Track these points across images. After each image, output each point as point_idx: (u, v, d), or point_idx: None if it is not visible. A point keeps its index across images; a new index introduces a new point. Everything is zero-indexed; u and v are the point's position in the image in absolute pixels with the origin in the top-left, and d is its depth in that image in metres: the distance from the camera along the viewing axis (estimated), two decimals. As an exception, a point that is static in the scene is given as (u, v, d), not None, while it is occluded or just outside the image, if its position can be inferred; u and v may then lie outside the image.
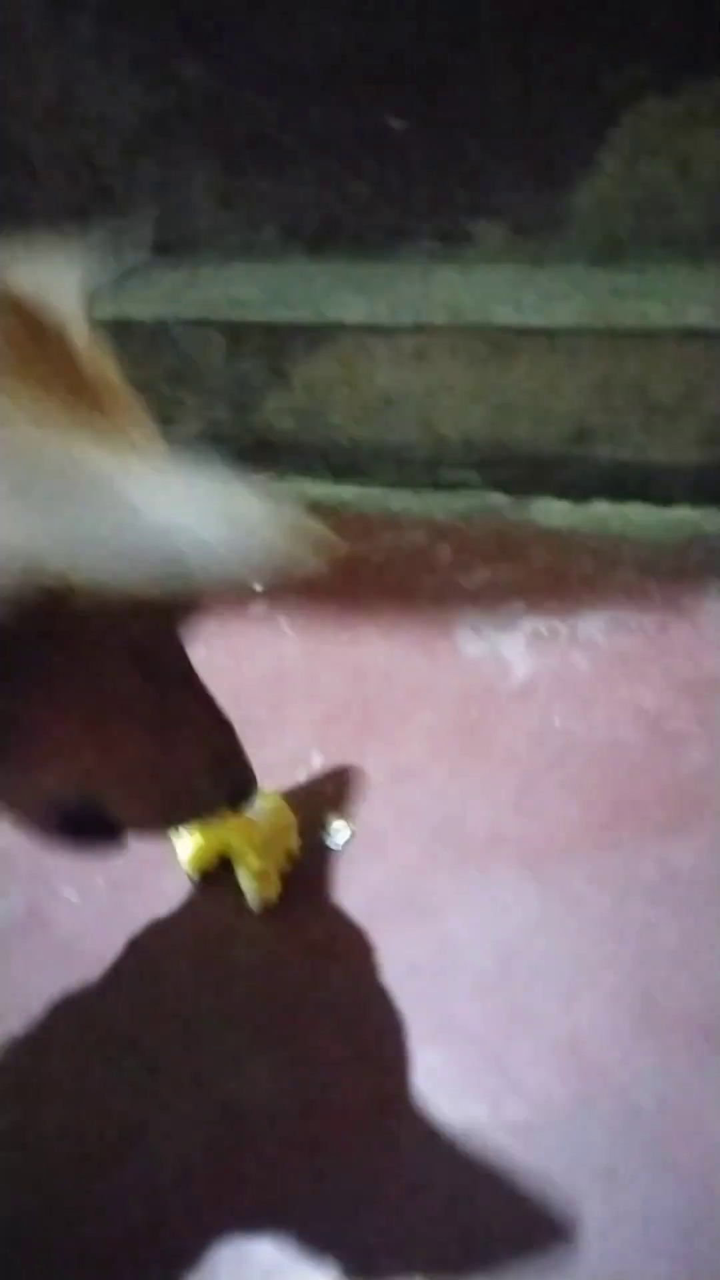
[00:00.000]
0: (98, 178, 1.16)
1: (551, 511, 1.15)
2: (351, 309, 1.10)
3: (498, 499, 1.18)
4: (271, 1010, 0.78)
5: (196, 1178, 0.69)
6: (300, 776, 0.93)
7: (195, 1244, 0.66)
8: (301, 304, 1.12)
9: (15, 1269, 0.65)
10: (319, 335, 1.13)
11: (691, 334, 0.98)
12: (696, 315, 0.98)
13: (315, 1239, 0.66)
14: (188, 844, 0.87)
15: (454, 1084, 0.71)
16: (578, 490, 1.14)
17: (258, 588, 1.12)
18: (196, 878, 0.87)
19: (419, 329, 1.08)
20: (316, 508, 1.22)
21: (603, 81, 0.95)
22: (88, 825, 0.61)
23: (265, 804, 0.82)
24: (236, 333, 1.15)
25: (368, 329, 1.10)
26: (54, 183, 1.16)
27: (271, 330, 1.13)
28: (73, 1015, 0.79)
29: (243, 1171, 0.69)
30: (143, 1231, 0.67)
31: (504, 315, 1.05)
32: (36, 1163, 0.71)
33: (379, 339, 1.10)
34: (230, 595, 1.11)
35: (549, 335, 1.03)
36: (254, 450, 1.24)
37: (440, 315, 1.07)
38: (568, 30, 0.93)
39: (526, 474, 1.15)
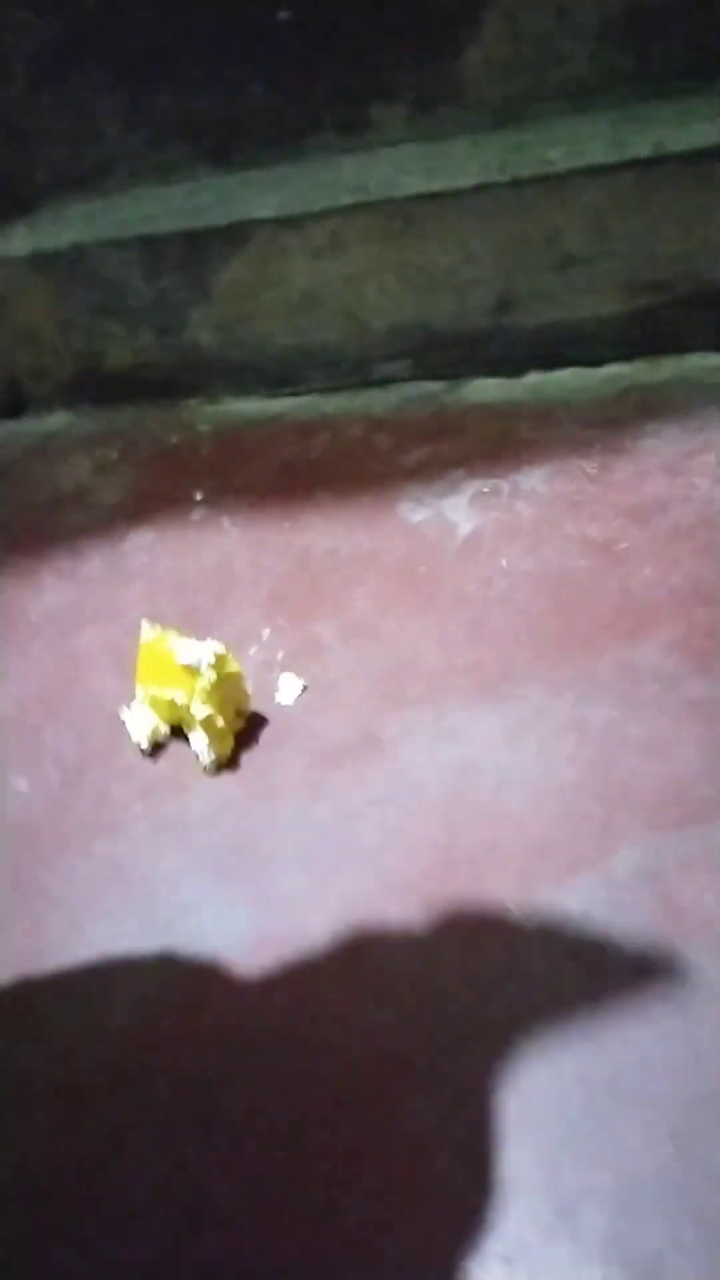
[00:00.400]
0: (4, 117, 1.17)
1: (485, 389, 1.14)
2: (262, 205, 1.10)
3: (431, 387, 1.16)
4: (226, 854, 0.75)
5: (163, 1019, 0.66)
6: (251, 652, 0.90)
7: (150, 1077, 0.64)
8: (213, 210, 1.12)
9: None
10: (233, 237, 1.12)
11: (592, 171, 0.97)
12: (594, 153, 0.98)
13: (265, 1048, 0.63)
14: (137, 716, 0.85)
15: (415, 887, 0.69)
16: (509, 365, 1.13)
17: (197, 496, 1.11)
18: (149, 749, 0.84)
19: (330, 213, 1.07)
20: (251, 424, 1.21)
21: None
22: None
23: (209, 654, 0.79)
24: (153, 248, 1.14)
25: (280, 222, 1.09)
26: (-42, 127, 1.17)
27: (187, 239, 1.13)
28: (29, 884, 0.76)
29: (211, 1006, 0.66)
30: (98, 1076, 0.65)
31: (410, 185, 1.04)
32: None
33: (292, 232, 1.10)
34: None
35: (457, 197, 1.03)
36: (185, 374, 1.23)
37: (349, 196, 1.06)
38: None
39: (456, 356, 1.14)
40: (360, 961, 0.65)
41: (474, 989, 0.62)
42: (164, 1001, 0.67)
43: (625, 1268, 0.50)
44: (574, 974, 0.61)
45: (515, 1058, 0.58)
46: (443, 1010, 0.62)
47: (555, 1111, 0.56)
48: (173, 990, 0.67)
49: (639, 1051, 0.57)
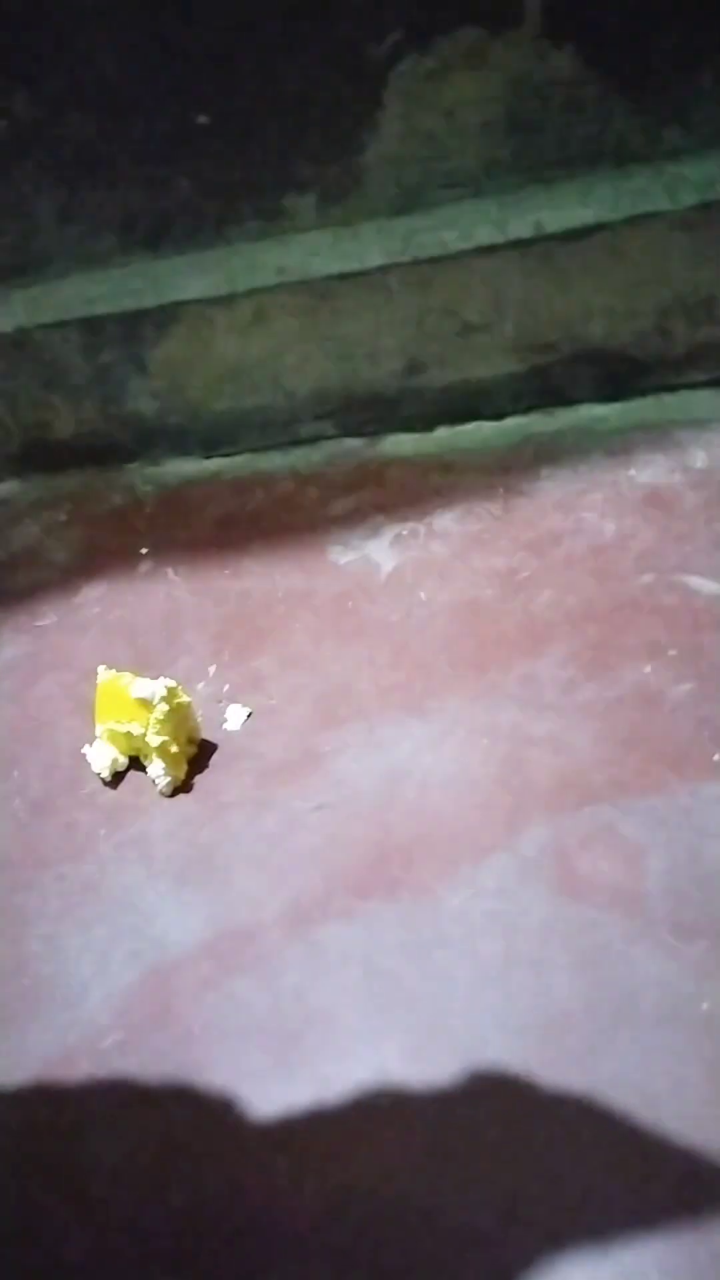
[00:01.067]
0: (-54, 215, 1.28)
1: (401, 444, 1.26)
2: (190, 288, 1.22)
3: (352, 443, 1.28)
4: (185, 865, 0.84)
5: (128, 1006, 0.74)
6: (199, 687, 0.99)
7: (125, 1054, 0.71)
8: (146, 293, 1.23)
9: None
10: (165, 316, 1.23)
11: (482, 250, 1.11)
12: (483, 235, 1.11)
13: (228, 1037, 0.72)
14: (98, 750, 0.93)
15: (355, 879, 0.78)
16: (420, 421, 1.25)
17: (143, 551, 1.21)
18: (110, 778, 0.92)
19: (252, 293, 1.19)
20: (191, 483, 1.31)
21: (366, 49, 1.09)
22: None
23: (161, 688, 0.88)
24: (92, 328, 1.25)
25: (207, 302, 1.21)
26: None
27: (123, 319, 1.24)
28: (7, 908, 0.84)
29: (178, 995, 0.75)
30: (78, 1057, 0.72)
31: (323, 267, 1.16)
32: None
33: (219, 310, 1.21)
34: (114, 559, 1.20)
35: (365, 276, 1.15)
36: (127, 440, 1.33)
37: (269, 277, 1.18)
38: (329, 10, 1.08)
39: (373, 415, 1.26)
40: (308, 945, 0.74)
41: (407, 958, 0.71)
42: (134, 996, 0.75)
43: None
44: (489, 937, 0.71)
45: (442, 1013, 0.67)
46: (380, 981, 0.71)
47: (471, 1059, 0.65)
48: (142, 983, 0.75)
49: (545, 1001, 0.67)
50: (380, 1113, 0.64)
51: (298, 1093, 0.66)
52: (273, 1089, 0.67)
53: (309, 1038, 0.69)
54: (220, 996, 0.73)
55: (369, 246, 1.15)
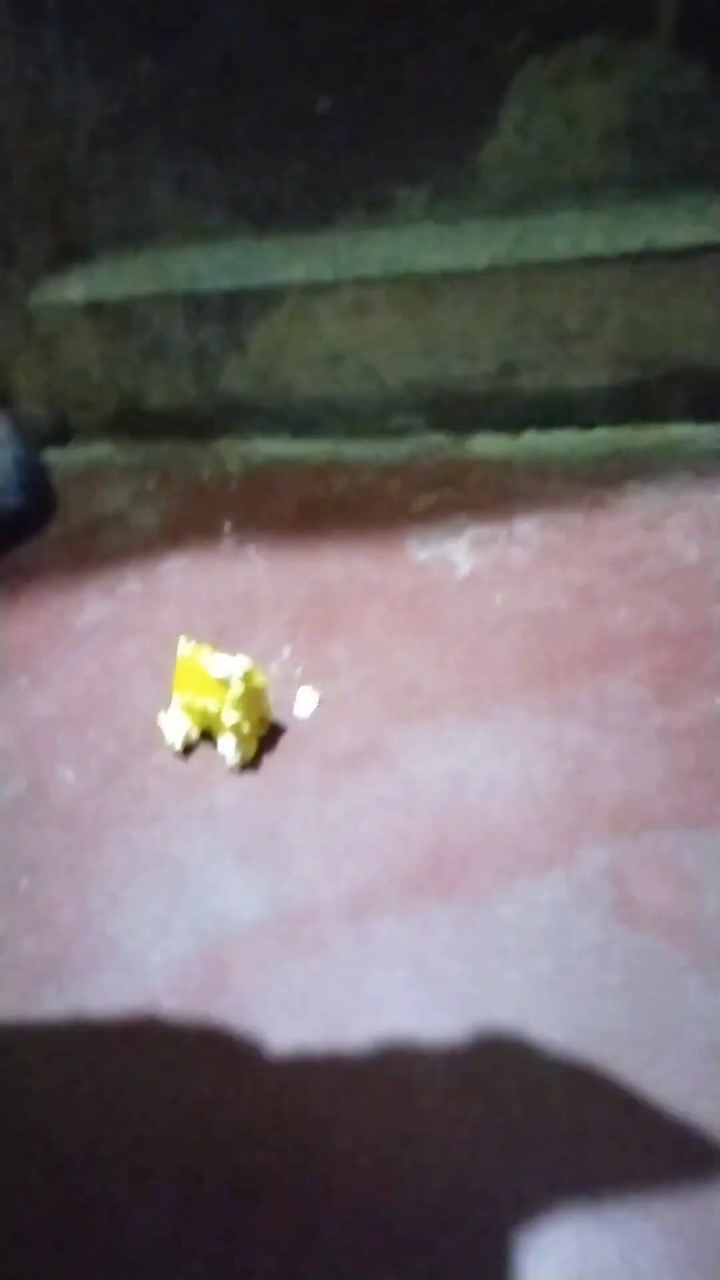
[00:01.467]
0: (66, 177, 1.30)
1: (488, 444, 1.27)
2: (296, 271, 1.23)
3: (439, 439, 1.29)
4: (248, 842, 0.86)
5: (185, 974, 0.78)
6: (273, 668, 1.02)
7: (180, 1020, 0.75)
8: (251, 272, 1.25)
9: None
10: (269, 298, 1.25)
11: (591, 261, 1.11)
12: (593, 244, 1.11)
13: (286, 1015, 0.75)
14: (172, 720, 0.96)
15: (412, 876, 0.80)
16: (510, 423, 1.26)
17: (226, 527, 1.23)
18: (182, 750, 0.96)
19: (356, 282, 1.20)
20: (276, 464, 1.34)
21: (493, 49, 1.09)
22: None
23: (240, 668, 0.91)
24: (196, 304, 1.27)
25: (311, 288, 1.22)
26: (28, 184, 1.29)
27: (226, 298, 1.26)
28: (75, 864, 0.87)
29: (235, 968, 0.78)
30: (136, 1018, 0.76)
31: (429, 262, 1.17)
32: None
33: (322, 297, 1.23)
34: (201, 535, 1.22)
35: (470, 275, 1.16)
36: (219, 415, 1.36)
37: (374, 268, 1.19)
38: (461, 5, 1.08)
39: (463, 413, 1.27)
40: (361, 935, 0.77)
41: (459, 961, 0.73)
42: (191, 965, 0.78)
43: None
44: (542, 952, 0.73)
45: (490, 1022, 0.70)
46: (431, 981, 0.73)
47: (515, 1069, 0.68)
48: (200, 953, 0.78)
49: (593, 1022, 0.69)
50: (422, 1108, 0.66)
51: (342, 1079, 0.69)
52: (320, 1072, 0.69)
53: (357, 1026, 0.71)
54: (274, 976, 0.76)
55: (476, 245, 1.16)
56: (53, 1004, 0.76)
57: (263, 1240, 0.61)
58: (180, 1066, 0.72)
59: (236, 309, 1.25)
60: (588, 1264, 0.58)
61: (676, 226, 1.10)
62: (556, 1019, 0.69)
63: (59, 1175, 0.67)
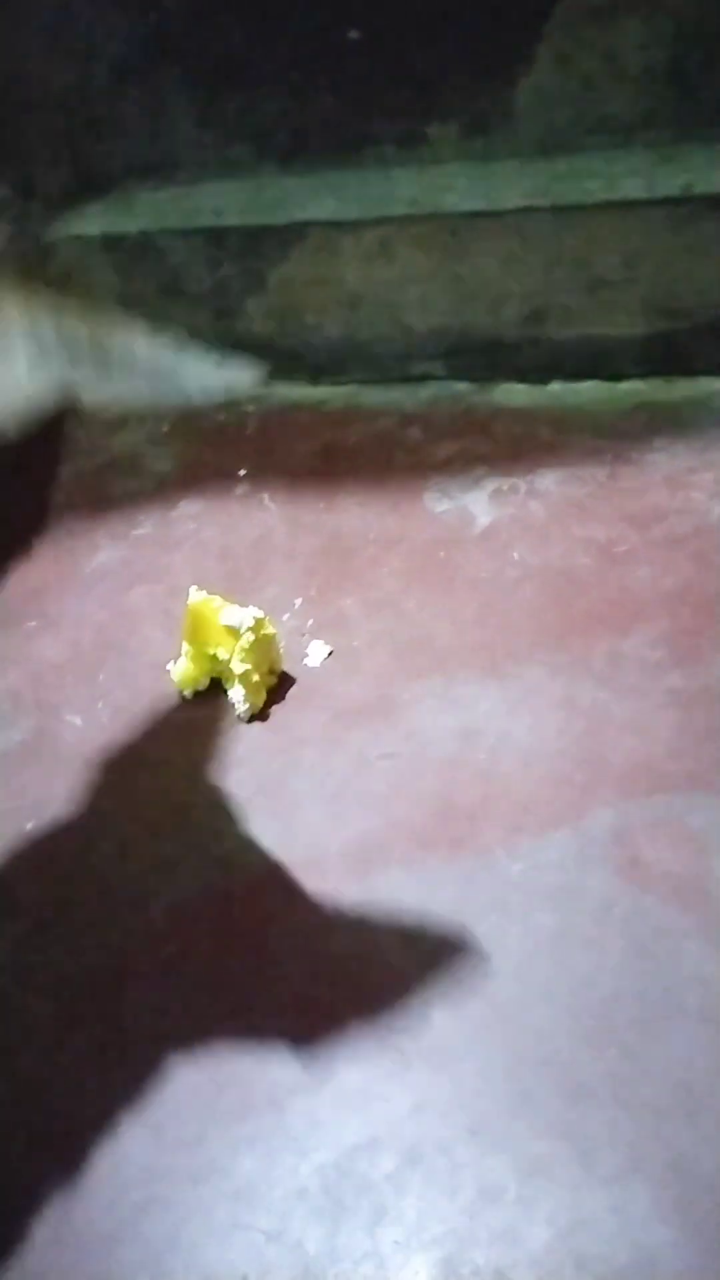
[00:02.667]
0: (88, 106, 1.26)
1: (512, 394, 1.24)
2: (320, 208, 1.20)
3: (462, 387, 1.27)
4: (255, 791, 0.86)
5: (189, 920, 0.78)
6: (285, 618, 1.01)
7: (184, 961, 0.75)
8: (275, 208, 1.22)
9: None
10: (291, 235, 1.22)
11: (626, 205, 1.07)
12: (630, 188, 1.07)
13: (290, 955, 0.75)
14: (182, 667, 0.95)
15: (418, 831, 0.80)
16: (535, 373, 1.23)
17: (241, 472, 1.21)
18: (190, 697, 0.95)
19: (382, 221, 1.17)
20: (295, 408, 1.31)
21: (534, -24, 1.05)
22: None
23: (250, 618, 0.90)
24: (216, 239, 1.24)
25: (335, 225, 1.19)
26: (48, 113, 1.25)
27: (248, 234, 1.23)
28: (82, 811, 0.87)
29: (237, 911, 0.78)
30: (140, 956, 0.76)
31: (458, 202, 1.14)
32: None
33: (346, 235, 1.20)
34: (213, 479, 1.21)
35: (500, 217, 1.13)
36: (236, 357, 1.33)
37: (400, 207, 1.16)
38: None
39: (488, 360, 1.24)
40: (366, 888, 0.77)
41: (461, 915, 0.73)
42: (196, 911, 0.78)
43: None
44: (545, 910, 0.72)
45: (489, 972, 0.70)
46: (433, 933, 0.73)
47: (515, 1023, 0.67)
48: (205, 900, 0.78)
49: (594, 979, 0.68)
50: (415, 1058, 0.67)
51: (340, 1032, 0.69)
52: (318, 1021, 0.69)
53: (359, 981, 0.71)
54: (277, 925, 0.76)
55: (508, 186, 1.12)
56: (54, 948, 0.77)
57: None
58: (181, 1017, 0.72)
59: (257, 246, 1.22)
60: (577, 1214, 0.58)
61: (717, 172, 1.06)
62: (557, 975, 0.69)
63: (67, 1133, 0.68)
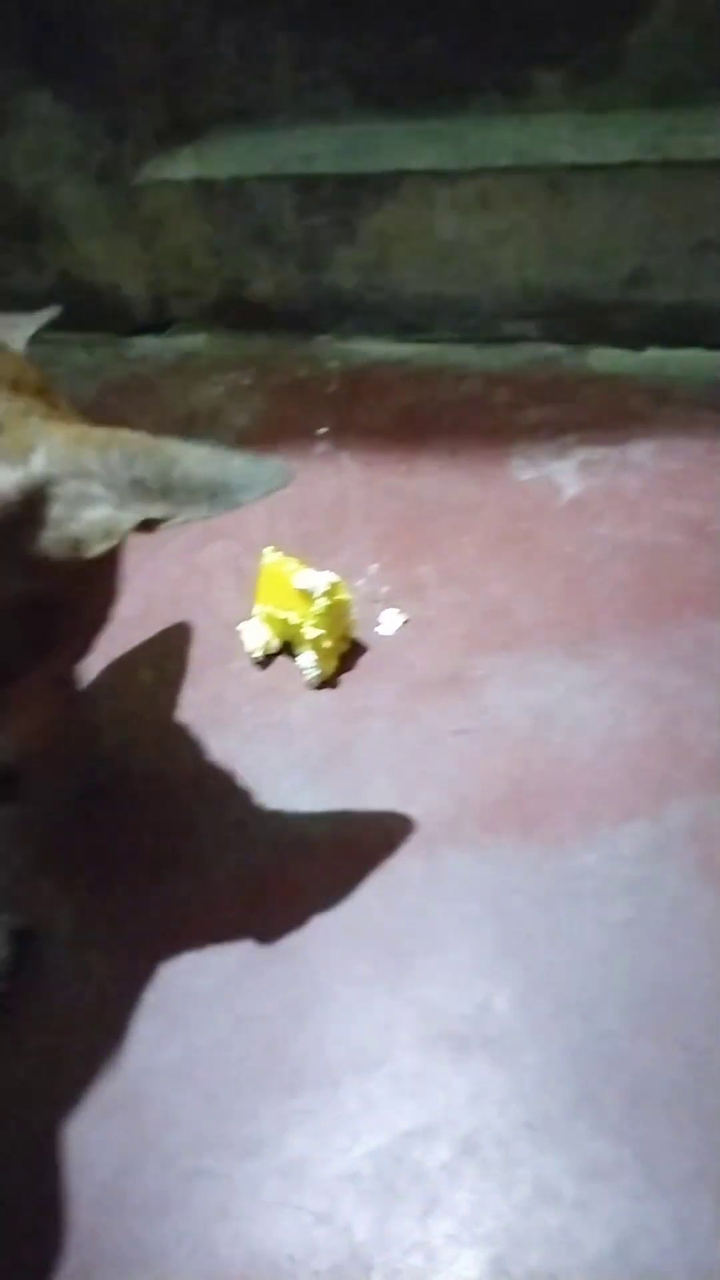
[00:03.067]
0: (183, 46, 1.22)
1: (607, 359, 1.19)
2: (417, 157, 1.15)
3: (554, 350, 1.22)
4: (321, 760, 0.84)
5: (251, 885, 0.77)
6: (359, 584, 0.98)
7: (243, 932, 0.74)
8: (370, 156, 1.17)
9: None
10: (386, 185, 1.17)
11: (744, 162, 1.01)
12: (750, 144, 1.01)
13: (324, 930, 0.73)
14: (253, 629, 0.94)
15: (488, 811, 0.77)
16: (633, 338, 1.17)
17: (321, 430, 1.19)
18: (261, 659, 0.94)
19: (482, 172, 1.12)
20: (378, 365, 1.27)
21: None
22: None
23: (324, 583, 0.87)
24: (308, 186, 1.20)
25: (433, 175, 1.14)
26: (143, 52, 1.22)
27: (341, 182, 1.19)
28: (148, 763, 0.87)
29: (288, 889, 0.76)
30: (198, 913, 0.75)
31: (563, 154, 1.08)
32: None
33: (444, 185, 1.15)
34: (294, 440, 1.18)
35: (606, 172, 1.07)
36: (322, 310, 1.30)
37: (503, 158, 1.11)
38: None
39: (584, 323, 1.19)
40: (432, 866, 0.75)
41: (531, 903, 0.71)
42: (258, 876, 0.77)
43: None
44: (619, 903, 0.69)
45: (556, 963, 0.67)
46: (504, 917, 0.71)
47: (580, 1017, 0.65)
48: (267, 867, 0.77)
49: (665, 977, 0.66)
50: (474, 1050, 0.65)
51: (398, 1010, 0.67)
52: (375, 999, 0.68)
53: (420, 959, 0.69)
54: (341, 897, 0.74)
55: (616, 139, 1.06)
56: (117, 905, 0.76)
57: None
58: (240, 981, 0.71)
59: (350, 195, 1.18)
60: (636, 1223, 0.56)
61: None
62: (627, 971, 0.66)
63: (118, 1079, 0.68)
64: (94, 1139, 0.63)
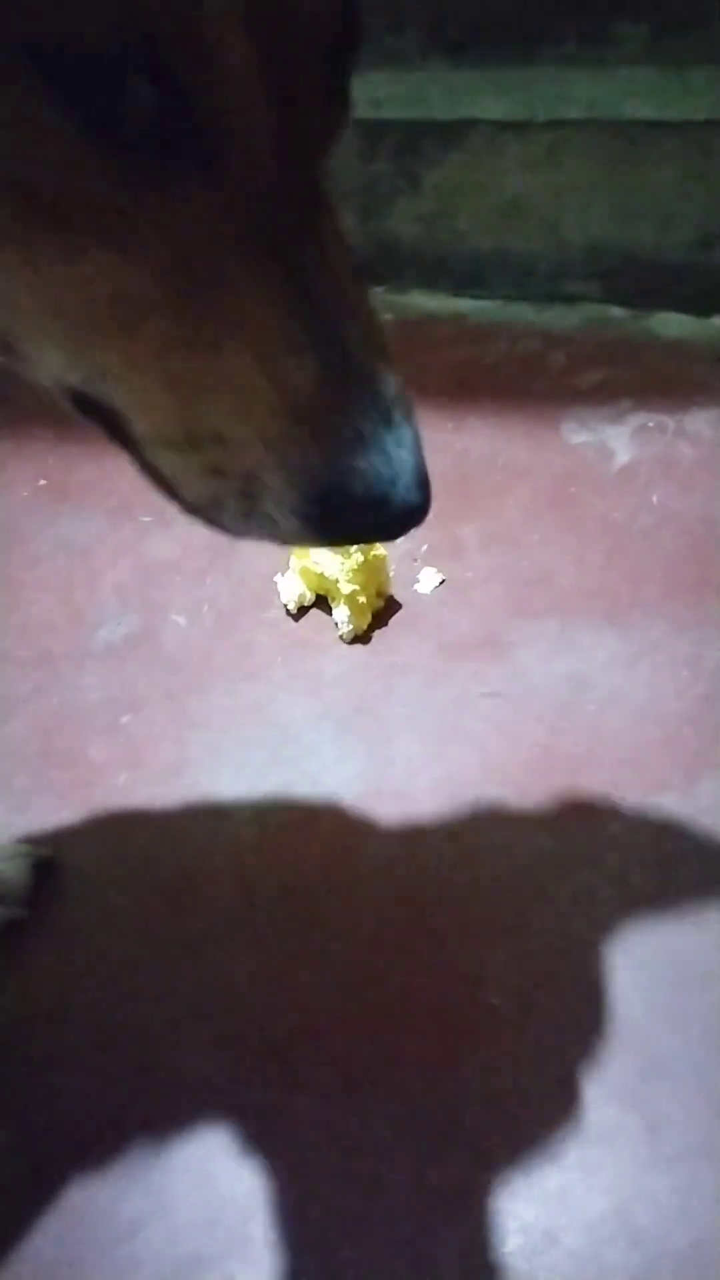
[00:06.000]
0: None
1: (670, 324, 1.15)
2: (487, 107, 1.12)
3: (617, 312, 1.18)
4: (351, 713, 0.84)
5: (271, 832, 0.77)
6: (398, 541, 0.97)
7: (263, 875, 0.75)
8: (438, 104, 1.14)
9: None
10: (453, 135, 1.14)
11: None
12: None
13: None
14: (288, 581, 0.93)
15: (516, 775, 0.77)
16: (699, 302, 1.13)
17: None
18: (295, 611, 0.93)
19: (553, 125, 1.09)
20: (433, 320, 1.25)
21: None
22: None
23: (364, 536, 0.86)
24: (372, 133, 1.18)
25: (502, 125, 1.11)
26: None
27: (406, 129, 1.16)
28: (178, 707, 0.87)
29: (320, 833, 0.76)
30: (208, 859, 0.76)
31: (640, 110, 1.04)
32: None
33: (512, 137, 1.12)
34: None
35: (683, 128, 1.03)
36: (378, 260, 1.27)
37: (575, 110, 1.07)
38: None
39: (648, 285, 1.15)
40: (457, 826, 0.74)
41: (556, 865, 0.70)
42: (280, 823, 0.77)
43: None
44: (644, 874, 0.69)
45: (572, 932, 0.67)
46: (525, 879, 0.70)
47: (596, 986, 0.65)
48: (290, 813, 0.77)
49: (685, 954, 0.65)
50: (490, 1014, 0.65)
51: (416, 971, 0.67)
52: (391, 961, 0.68)
53: (439, 920, 0.69)
54: (361, 851, 0.74)
55: (697, 95, 1.02)
56: (138, 842, 0.77)
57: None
58: (254, 924, 0.72)
59: (416, 143, 1.15)
60: (638, 1191, 0.56)
61: None
62: (645, 944, 0.65)
63: (122, 1008, 0.68)
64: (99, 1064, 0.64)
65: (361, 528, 0.37)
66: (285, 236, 0.35)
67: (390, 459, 0.36)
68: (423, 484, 0.38)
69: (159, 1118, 0.62)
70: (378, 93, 1.16)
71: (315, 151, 0.36)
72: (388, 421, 0.37)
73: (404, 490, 0.37)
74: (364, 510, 0.37)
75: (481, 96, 1.11)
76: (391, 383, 0.38)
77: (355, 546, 0.87)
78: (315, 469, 0.36)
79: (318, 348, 0.36)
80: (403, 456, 0.37)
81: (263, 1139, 0.60)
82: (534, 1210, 0.56)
